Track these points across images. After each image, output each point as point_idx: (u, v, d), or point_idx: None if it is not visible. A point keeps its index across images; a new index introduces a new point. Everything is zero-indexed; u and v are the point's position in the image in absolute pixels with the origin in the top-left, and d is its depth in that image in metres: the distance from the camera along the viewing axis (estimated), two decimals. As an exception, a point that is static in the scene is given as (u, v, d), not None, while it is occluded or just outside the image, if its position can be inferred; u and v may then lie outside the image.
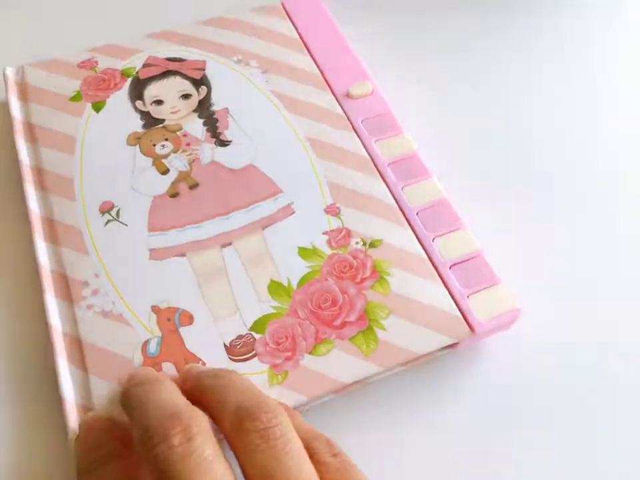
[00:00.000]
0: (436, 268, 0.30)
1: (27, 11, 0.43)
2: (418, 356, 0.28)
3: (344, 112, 0.36)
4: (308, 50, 0.39)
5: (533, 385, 0.29)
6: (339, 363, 0.27)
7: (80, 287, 0.29)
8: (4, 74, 0.38)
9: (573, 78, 0.41)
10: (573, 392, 0.29)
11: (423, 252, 0.31)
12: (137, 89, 0.37)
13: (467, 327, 0.28)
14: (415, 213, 0.32)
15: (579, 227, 0.34)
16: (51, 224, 0.32)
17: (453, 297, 0.29)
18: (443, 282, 0.30)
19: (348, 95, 0.37)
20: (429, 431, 0.28)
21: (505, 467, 0.27)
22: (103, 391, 0.27)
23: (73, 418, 0.26)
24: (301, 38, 0.40)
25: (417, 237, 0.31)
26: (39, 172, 0.33)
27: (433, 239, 0.31)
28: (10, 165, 0.35)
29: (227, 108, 0.36)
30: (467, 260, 0.31)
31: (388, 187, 0.33)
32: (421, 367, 0.29)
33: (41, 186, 0.33)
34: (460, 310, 0.29)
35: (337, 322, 0.28)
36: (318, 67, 0.38)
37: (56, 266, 0.30)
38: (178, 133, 0.35)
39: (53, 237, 0.31)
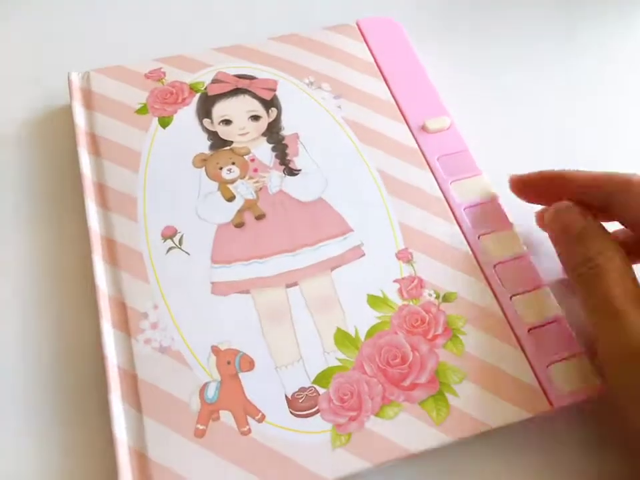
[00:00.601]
0: (513, 330, 0.28)
1: (94, 14, 0.42)
2: (491, 429, 0.26)
3: (419, 147, 0.35)
4: (383, 76, 0.37)
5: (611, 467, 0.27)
6: (407, 428, 0.26)
7: (138, 318, 0.28)
8: (68, 79, 0.36)
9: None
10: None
11: (500, 310, 0.29)
12: (205, 106, 0.36)
13: (545, 400, 0.27)
14: (493, 265, 0.30)
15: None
16: (111, 245, 0.30)
17: (530, 364, 0.27)
18: (521, 346, 0.28)
19: (424, 129, 0.35)
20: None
21: None
22: (156, 434, 0.25)
23: (125, 460, 0.25)
24: (376, 62, 0.38)
25: (494, 293, 0.29)
26: (101, 188, 0.32)
27: (511, 297, 0.29)
28: (71, 176, 0.34)
29: (297, 133, 0.35)
30: (548, 323, 0.29)
31: (464, 234, 0.31)
32: (491, 436, 0.27)
33: (103, 204, 0.32)
34: (538, 380, 0.27)
35: (406, 382, 0.27)
36: (393, 95, 0.37)
37: (114, 291, 0.29)
38: (246, 157, 0.34)
39: (113, 259, 0.30)
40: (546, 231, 0.31)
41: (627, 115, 0.39)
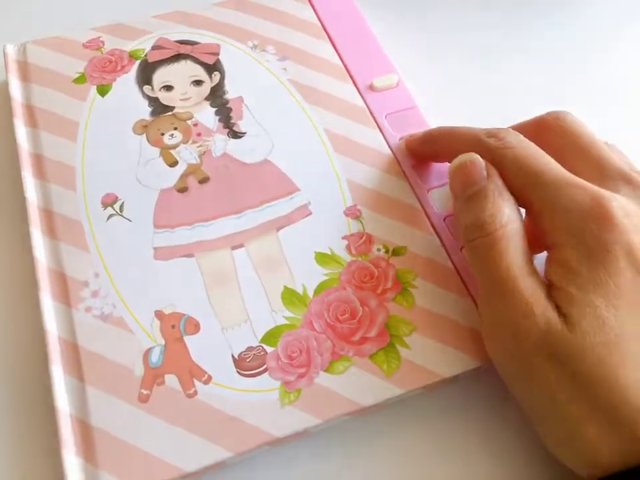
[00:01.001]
0: (464, 281, 0.28)
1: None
2: (443, 379, 0.25)
3: (366, 105, 0.34)
4: (330, 38, 0.37)
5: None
6: (357, 382, 0.25)
7: (79, 287, 0.27)
8: (4, 52, 0.35)
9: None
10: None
11: (450, 262, 0.29)
12: (146, 73, 0.34)
13: (496, 347, 0.26)
14: (443, 218, 0.30)
15: None
16: (49, 216, 0.29)
17: (481, 313, 0.27)
18: (472, 296, 0.28)
19: (371, 88, 0.35)
20: (441, 460, 0.25)
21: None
22: (99, 401, 0.24)
23: (67, 430, 0.24)
24: (322, 25, 0.37)
25: (444, 246, 0.29)
26: (38, 159, 0.31)
27: (461, 248, 0.29)
28: (7, 150, 0.33)
29: (241, 97, 0.34)
30: (498, 273, 0.28)
31: (413, 190, 0.31)
32: (440, 388, 0.27)
33: (40, 174, 0.31)
34: (489, 328, 0.27)
35: (356, 337, 0.26)
36: (340, 56, 0.36)
37: (54, 263, 0.28)
38: (188, 121, 0.33)
39: (51, 230, 0.29)
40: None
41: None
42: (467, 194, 0.25)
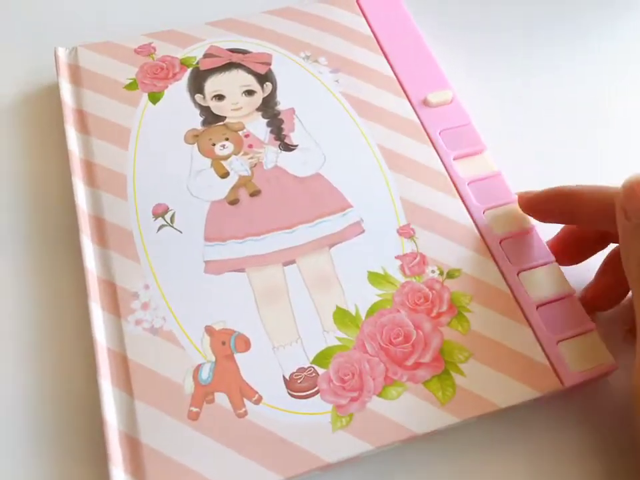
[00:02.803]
0: (521, 306, 0.27)
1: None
2: (499, 409, 0.25)
3: (420, 121, 0.33)
4: (382, 50, 0.36)
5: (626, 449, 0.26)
6: (411, 409, 0.24)
7: (129, 298, 0.27)
8: (55, 54, 0.35)
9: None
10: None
11: (507, 287, 0.28)
12: (197, 81, 0.34)
13: (555, 378, 0.25)
14: (499, 241, 0.29)
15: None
16: (100, 224, 0.29)
17: (539, 342, 0.26)
18: (530, 324, 0.27)
19: (425, 103, 0.34)
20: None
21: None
22: (148, 417, 0.24)
23: (116, 446, 0.24)
24: (376, 37, 0.37)
25: (500, 269, 0.28)
26: (89, 165, 0.31)
27: (518, 272, 0.28)
28: (58, 155, 0.33)
29: (293, 108, 0.33)
30: (557, 299, 0.27)
31: (468, 209, 0.30)
32: (497, 417, 0.26)
33: (91, 181, 0.30)
34: (547, 358, 0.26)
35: (410, 362, 0.26)
36: (393, 69, 0.35)
37: (103, 272, 0.28)
38: (240, 132, 0.32)
39: (102, 239, 0.29)
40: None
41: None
42: None
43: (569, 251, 0.29)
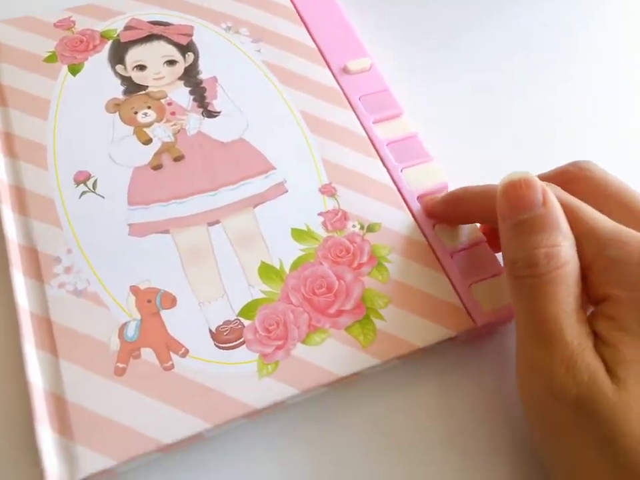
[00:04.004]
0: (437, 255, 0.29)
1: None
2: (417, 349, 0.26)
3: (341, 87, 0.34)
4: (303, 21, 0.37)
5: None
6: (334, 353, 0.25)
7: (51, 263, 0.27)
8: (-29, 30, 0.34)
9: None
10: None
11: (424, 238, 0.29)
12: (118, 53, 0.34)
13: (468, 318, 0.27)
14: (415, 196, 0.30)
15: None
16: (20, 193, 0.29)
17: (454, 286, 0.28)
18: (444, 270, 0.28)
19: (345, 70, 0.35)
20: (418, 430, 0.26)
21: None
22: (74, 376, 0.24)
23: (41, 405, 0.24)
24: (296, 8, 0.38)
25: (417, 222, 0.30)
26: (8, 137, 0.31)
27: (434, 225, 0.29)
28: (-25, 128, 0.32)
29: (215, 77, 0.34)
30: (470, 247, 0.29)
31: (387, 168, 0.31)
32: (417, 359, 0.27)
33: (10, 152, 0.30)
34: (461, 300, 0.27)
35: (332, 310, 0.27)
36: (314, 39, 0.36)
37: (25, 240, 0.27)
38: (162, 100, 0.33)
39: (22, 208, 0.28)
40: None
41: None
42: (518, 219, 0.22)
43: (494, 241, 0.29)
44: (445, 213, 0.29)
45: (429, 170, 0.31)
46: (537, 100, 0.37)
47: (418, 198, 0.30)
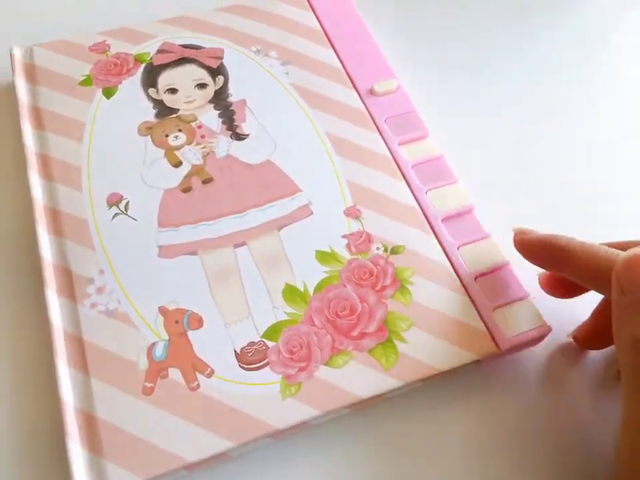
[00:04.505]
0: (460, 278, 0.29)
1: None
2: (439, 372, 0.26)
3: (367, 109, 0.35)
4: (331, 43, 0.38)
5: (558, 412, 0.27)
6: (357, 376, 0.26)
7: (84, 283, 0.28)
8: (11, 54, 0.36)
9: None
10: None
11: (447, 261, 0.29)
12: (151, 76, 0.35)
13: (492, 343, 0.27)
14: (440, 219, 0.31)
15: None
16: (55, 215, 0.30)
17: (477, 310, 0.28)
18: (468, 293, 0.28)
19: (372, 92, 0.35)
20: (441, 454, 0.26)
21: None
22: (103, 394, 0.25)
23: (72, 422, 0.25)
24: (324, 30, 0.38)
25: (441, 245, 0.30)
26: (44, 159, 0.32)
27: (458, 247, 0.30)
28: (14, 150, 0.34)
29: (244, 100, 0.35)
30: (493, 271, 0.29)
31: (411, 190, 0.32)
32: (440, 382, 0.27)
33: (46, 174, 0.31)
34: (485, 324, 0.27)
35: (355, 332, 0.27)
36: (341, 61, 0.37)
37: (59, 260, 0.29)
38: (192, 123, 0.33)
39: (57, 229, 0.30)
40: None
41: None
42: None
43: (561, 286, 0.28)
44: (537, 253, 0.27)
45: (454, 192, 0.32)
46: (564, 125, 0.37)
47: (442, 220, 0.31)
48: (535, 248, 0.27)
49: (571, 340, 0.29)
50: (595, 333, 0.28)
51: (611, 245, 0.25)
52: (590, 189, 0.35)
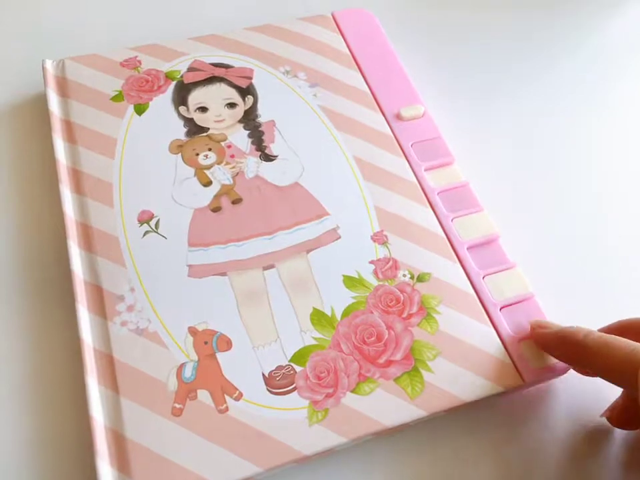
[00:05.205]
0: (486, 308, 0.29)
1: (69, 2, 0.42)
2: (465, 403, 0.26)
3: (393, 134, 0.35)
4: (358, 66, 0.38)
5: (581, 444, 0.28)
6: (382, 404, 0.26)
7: (115, 301, 0.28)
8: (43, 66, 0.36)
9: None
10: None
11: (473, 290, 0.30)
12: (181, 94, 0.36)
13: (516, 374, 0.27)
14: (465, 247, 0.31)
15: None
16: (86, 230, 0.30)
17: (502, 341, 0.28)
18: (493, 323, 0.29)
19: (398, 117, 0.36)
20: None
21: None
22: (133, 414, 0.25)
23: (102, 441, 0.25)
24: (352, 53, 0.39)
25: (467, 274, 0.30)
26: (76, 174, 0.32)
27: (484, 276, 0.30)
28: (46, 164, 0.34)
29: (273, 120, 0.35)
30: (518, 302, 0.29)
31: (437, 217, 0.32)
32: (462, 411, 0.28)
33: (78, 189, 0.32)
34: (509, 356, 0.28)
35: (382, 360, 0.27)
36: (368, 84, 0.37)
37: (90, 276, 0.29)
38: (222, 143, 0.34)
39: (88, 244, 0.30)
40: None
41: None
42: None
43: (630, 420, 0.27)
44: (554, 348, 0.27)
45: (480, 220, 0.32)
46: (591, 153, 0.38)
47: (468, 248, 0.31)
48: (552, 343, 0.27)
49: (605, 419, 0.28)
50: (627, 412, 0.26)
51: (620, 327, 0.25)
52: (617, 219, 0.35)
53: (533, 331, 0.28)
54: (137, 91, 0.36)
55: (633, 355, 0.22)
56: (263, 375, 0.27)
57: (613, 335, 0.24)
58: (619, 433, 0.28)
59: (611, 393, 0.29)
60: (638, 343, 0.23)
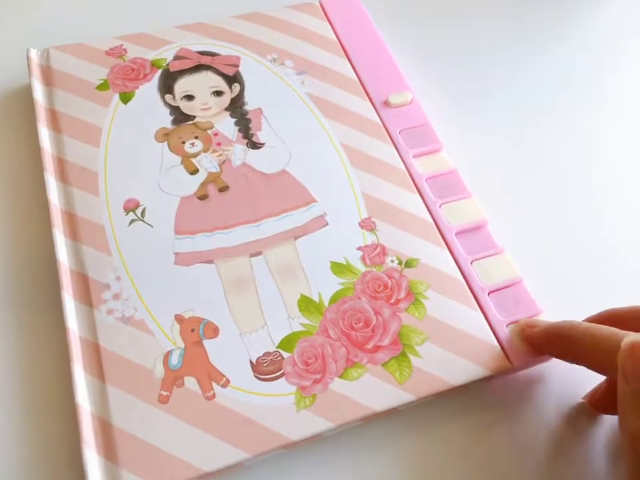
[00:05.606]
0: (474, 293, 0.29)
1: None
2: (453, 387, 0.26)
3: (381, 121, 0.35)
4: (346, 53, 0.38)
5: (569, 428, 0.28)
6: (370, 389, 0.26)
7: (101, 289, 0.28)
8: (27, 56, 0.36)
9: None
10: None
11: (461, 275, 0.29)
12: (167, 82, 0.35)
13: (505, 359, 0.27)
14: (454, 233, 0.31)
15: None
16: (72, 219, 0.30)
17: (490, 326, 0.28)
18: (481, 308, 0.28)
19: (386, 104, 0.36)
20: (453, 465, 0.26)
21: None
22: (120, 401, 0.25)
23: (88, 428, 0.25)
24: (339, 40, 0.38)
25: (455, 259, 0.30)
26: (61, 163, 0.32)
27: (472, 262, 0.30)
28: (31, 153, 0.34)
29: (260, 108, 0.35)
30: (507, 287, 0.29)
31: (425, 203, 0.32)
32: (450, 396, 0.28)
33: (63, 178, 0.31)
34: (498, 340, 0.28)
35: (370, 345, 0.27)
36: (356, 72, 0.37)
37: (76, 265, 0.29)
38: (209, 131, 0.34)
39: (74, 233, 0.30)
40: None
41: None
42: None
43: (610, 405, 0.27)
44: (544, 346, 0.27)
45: (468, 206, 0.32)
46: (580, 140, 0.38)
47: (456, 234, 0.31)
48: (541, 341, 0.26)
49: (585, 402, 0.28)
50: (609, 396, 0.26)
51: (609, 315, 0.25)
52: (604, 205, 0.35)
53: (523, 332, 0.27)
54: (123, 80, 0.35)
55: (616, 342, 0.22)
56: (250, 361, 0.26)
57: (599, 325, 0.24)
58: (606, 417, 0.28)
59: (598, 377, 0.29)
60: (622, 331, 0.23)
